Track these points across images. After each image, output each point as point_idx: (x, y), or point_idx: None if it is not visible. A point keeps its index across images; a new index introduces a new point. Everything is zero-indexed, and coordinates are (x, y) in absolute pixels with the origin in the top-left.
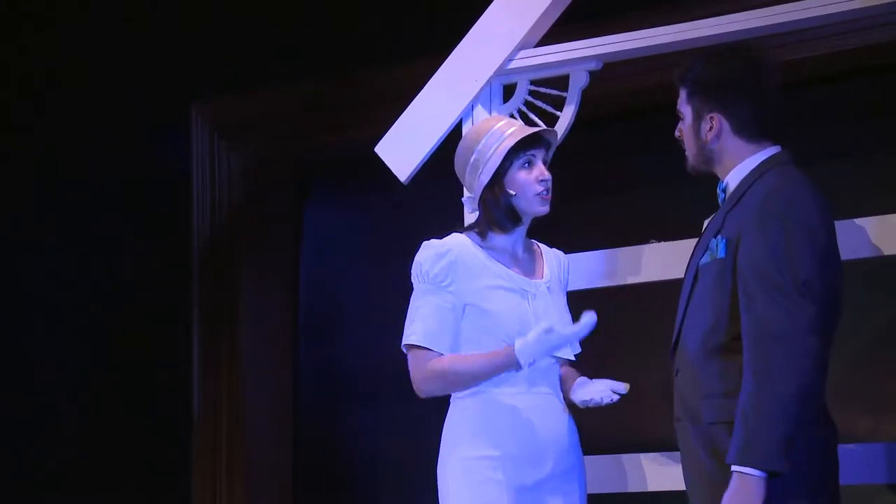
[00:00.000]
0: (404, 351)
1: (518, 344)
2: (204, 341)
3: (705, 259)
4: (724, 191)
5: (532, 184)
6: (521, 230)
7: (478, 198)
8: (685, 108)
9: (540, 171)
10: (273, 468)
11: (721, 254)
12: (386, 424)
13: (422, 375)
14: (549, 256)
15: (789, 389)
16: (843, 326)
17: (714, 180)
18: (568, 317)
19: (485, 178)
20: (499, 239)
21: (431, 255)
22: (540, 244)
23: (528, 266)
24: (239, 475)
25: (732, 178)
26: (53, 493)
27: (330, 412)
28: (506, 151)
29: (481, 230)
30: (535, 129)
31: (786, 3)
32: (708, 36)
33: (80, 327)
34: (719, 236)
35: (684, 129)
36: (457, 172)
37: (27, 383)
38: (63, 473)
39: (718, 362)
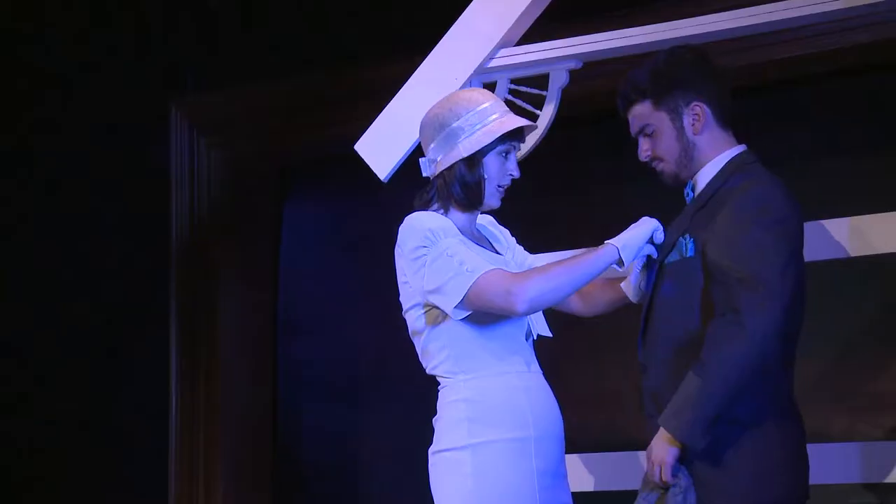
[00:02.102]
0: (467, 299)
1: (618, 241)
2: (182, 340)
3: (672, 257)
4: (692, 189)
5: (503, 175)
6: (478, 213)
7: (444, 167)
8: (656, 116)
9: (514, 165)
10: (252, 467)
11: (690, 253)
12: (365, 423)
13: (519, 284)
14: (493, 230)
15: (730, 378)
16: (819, 327)
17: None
18: None
19: (465, 151)
20: (459, 216)
21: (431, 217)
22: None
23: (485, 243)
24: (217, 474)
25: (702, 177)
26: (29, 493)
27: (309, 410)
28: (499, 134)
29: (443, 206)
30: (527, 123)
31: (763, 3)
32: (686, 36)
33: (57, 325)
34: (687, 235)
35: (660, 139)
36: (423, 131)
37: (1, 383)
38: (40, 474)
39: (688, 358)
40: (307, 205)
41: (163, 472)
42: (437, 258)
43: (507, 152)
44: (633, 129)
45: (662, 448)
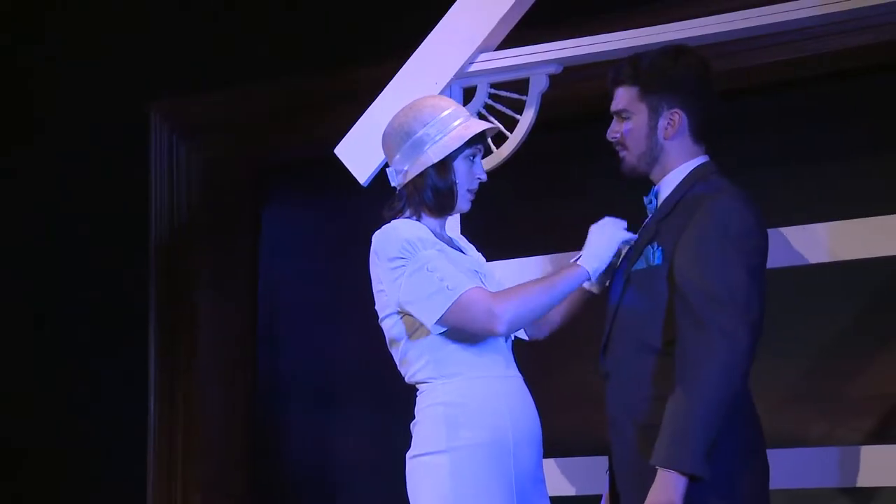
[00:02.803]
0: (446, 317)
1: (587, 261)
2: (161, 343)
3: (639, 265)
4: (655, 196)
5: (471, 179)
6: (446, 221)
7: (414, 175)
8: (637, 106)
9: (480, 168)
10: (229, 473)
11: (657, 261)
12: (344, 426)
13: (499, 305)
14: (459, 238)
15: (720, 398)
16: (795, 332)
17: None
18: None
19: (434, 157)
20: (431, 222)
21: (408, 226)
22: None
23: (460, 247)
24: (195, 480)
25: (666, 185)
26: (2, 496)
27: (288, 414)
28: (467, 138)
29: (415, 213)
30: (491, 126)
31: (744, 9)
32: (668, 41)
33: (35, 329)
34: (655, 243)
35: (631, 129)
36: (387, 142)
37: None
38: (15, 477)
39: (652, 366)
40: (286, 208)
41: (141, 478)
42: (417, 271)
43: (474, 156)
44: (613, 105)
45: (668, 489)
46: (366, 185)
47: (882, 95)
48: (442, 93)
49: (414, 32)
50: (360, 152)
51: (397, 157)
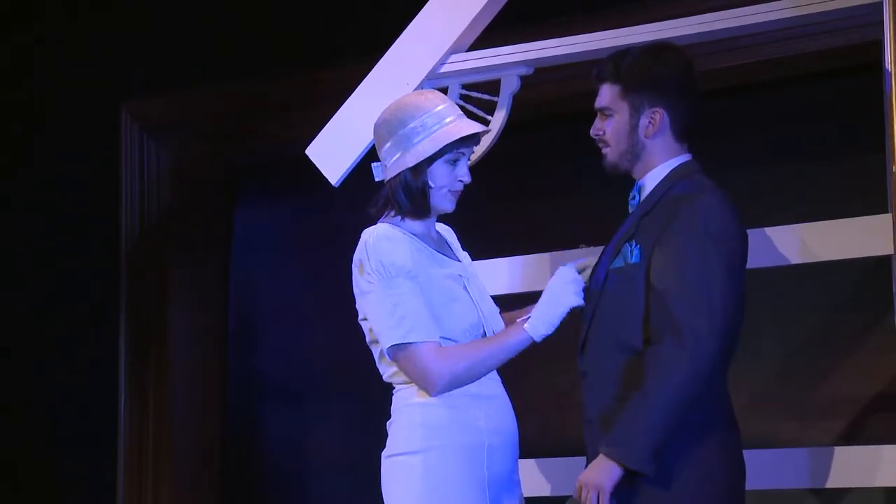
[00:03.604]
0: (392, 352)
1: (534, 328)
2: (132, 343)
3: (617, 263)
4: (639, 192)
5: (452, 181)
6: (434, 218)
7: (391, 175)
8: (618, 104)
9: (464, 171)
10: (201, 470)
11: (635, 259)
12: (316, 427)
13: (438, 370)
14: (448, 234)
15: (678, 403)
16: (767, 333)
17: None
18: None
19: (410, 160)
20: (416, 224)
21: (388, 246)
22: None
23: (445, 248)
24: (166, 478)
25: (650, 180)
26: None
27: (259, 413)
28: (443, 144)
29: (398, 212)
30: (479, 130)
31: (718, 10)
32: (638, 43)
33: (4, 327)
34: (633, 242)
35: (613, 126)
36: (375, 134)
37: None
38: None
39: (630, 365)
40: (257, 208)
41: (111, 476)
42: (382, 298)
43: (456, 160)
44: (597, 102)
45: (603, 473)
46: (337, 186)
47: (862, 96)
48: None
49: (386, 33)
50: (331, 153)
51: (382, 149)
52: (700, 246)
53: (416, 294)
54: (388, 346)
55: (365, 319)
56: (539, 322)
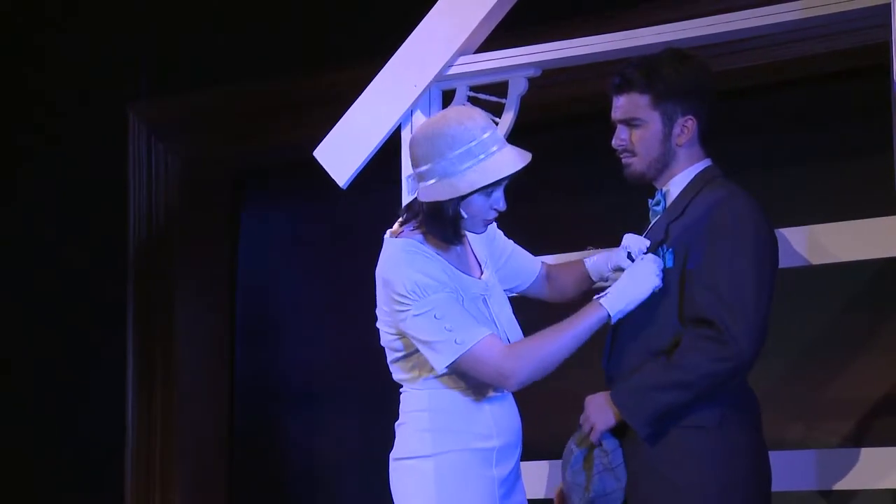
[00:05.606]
0: (454, 369)
1: (611, 303)
2: (139, 345)
3: None
4: (664, 197)
5: (487, 210)
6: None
7: (426, 199)
8: (649, 114)
9: (500, 199)
10: (209, 474)
11: (669, 263)
12: (322, 427)
13: (510, 362)
14: (474, 237)
15: (699, 390)
16: (775, 335)
17: (647, 186)
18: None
19: (452, 190)
20: (438, 242)
21: (419, 263)
22: None
23: (466, 259)
24: (174, 481)
25: (675, 186)
26: None
27: (266, 415)
28: (494, 179)
29: (419, 228)
30: (527, 163)
31: (724, 13)
32: (646, 45)
33: (12, 330)
34: (665, 246)
35: (644, 136)
36: (412, 150)
37: None
38: None
39: None
40: (265, 209)
41: (119, 479)
42: (424, 315)
43: (492, 191)
44: (619, 113)
45: (602, 412)
46: (345, 188)
47: (864, 99)
48: (421, 95)
49: (395, 35)
50: (339, 154)
51: (421, 166)
52: (738, 250)
53: (453, 302)
54: (447, 361)
55: (382, 329)
56: (618, 298)
